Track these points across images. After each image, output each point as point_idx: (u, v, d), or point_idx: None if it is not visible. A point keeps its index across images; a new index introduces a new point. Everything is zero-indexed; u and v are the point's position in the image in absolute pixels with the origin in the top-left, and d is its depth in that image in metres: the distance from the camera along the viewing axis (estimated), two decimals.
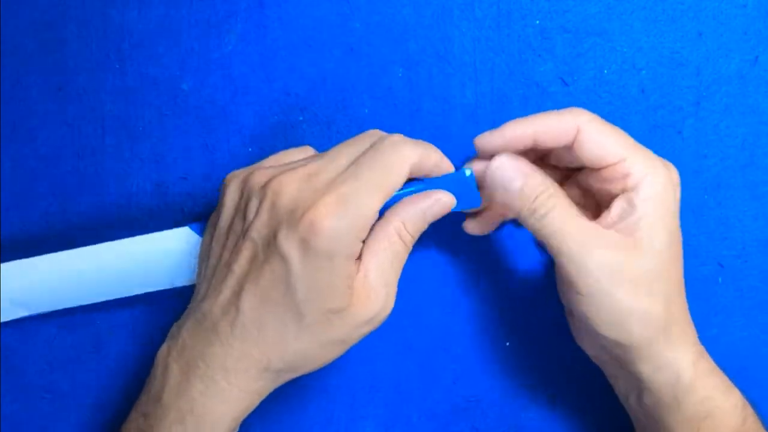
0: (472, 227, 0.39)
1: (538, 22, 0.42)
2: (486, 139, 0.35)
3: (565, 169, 0.39)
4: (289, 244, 0.31)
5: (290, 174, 0.32)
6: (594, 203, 0.38)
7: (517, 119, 0.35)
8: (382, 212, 0.34)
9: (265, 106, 0.42)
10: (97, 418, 0.43)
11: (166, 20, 0.42)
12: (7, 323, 0.42)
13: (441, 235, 0.42)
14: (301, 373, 0.34)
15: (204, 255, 0.36)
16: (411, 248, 0.35)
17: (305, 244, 0.31)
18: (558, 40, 0.42)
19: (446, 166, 0.35)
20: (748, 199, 0.42)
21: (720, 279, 0.42)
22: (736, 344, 0.42)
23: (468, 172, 0.35)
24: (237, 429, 0.35)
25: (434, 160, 0.34)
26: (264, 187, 0.33)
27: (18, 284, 0.39)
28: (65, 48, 0.42)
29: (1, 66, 0.42)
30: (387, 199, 0.33)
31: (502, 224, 0.42)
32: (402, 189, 0.35)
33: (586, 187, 0.38)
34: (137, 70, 0.42)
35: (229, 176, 0.36)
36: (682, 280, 0.36)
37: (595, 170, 0.35)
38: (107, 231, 0.42)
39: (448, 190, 0.35)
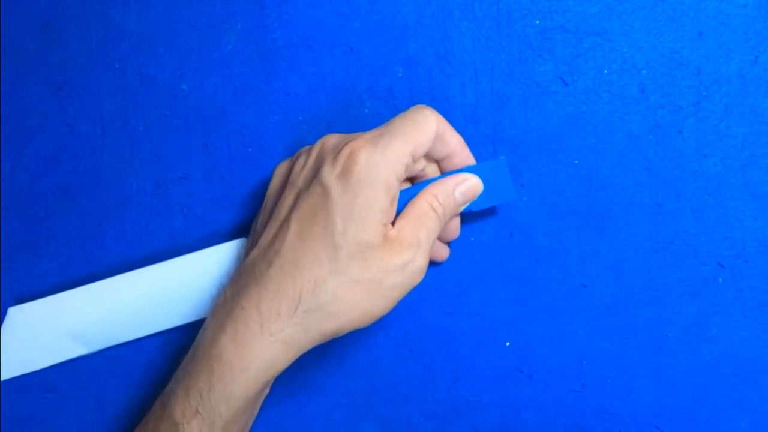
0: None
1: (538, 22, 0.42)
2: None
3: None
4: (330, 176, 0.34)
5: (334, 134, 0.37)
6: None
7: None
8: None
9: (265, 106, 0.42)
10: (97, 417, 0.43)
11: (166, 20, 0.42)
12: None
13: None
14: (334, 323, 0.33)
15: (252, 229, 0.38)
16: (444, 221, 0.37)
17: (345, 173, 0.34)
18: (558, 40, 0.42)
19: (467, 153, 0.39)
20: (748, 199, 0.42)
21: (720, 279, 0.42)
22: (736, 344, 0.42)
23: (501, 158, 0.38)
24: (264, 391, 0.35)
25: (454, 136, 0.37)
26: (312, 146, 0.37)
27: (76, 317, 0.40)
28: (65, 48, 0.42)
29: (1, 66, 0.42)
30: (417, 150, 0.35)
31: (503, 225, 0.42)
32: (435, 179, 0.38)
33: None
34: (137, 70, 0.42)
35: (277, 166, 0.39)
36: None
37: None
38: (107, 231, 0.42)
39: (482, 178, 0.38)
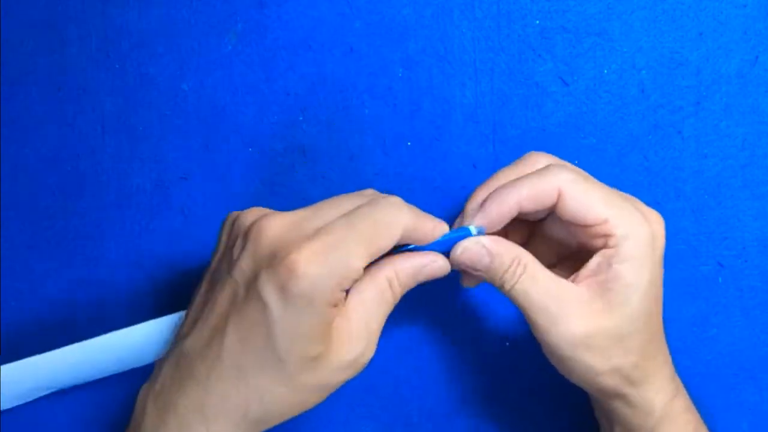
0: (468, 282, 0.38)
1: (538, 22, 0.42)
2: (472, 219, 0.35)
3: (532, 221, 0.39)
4: (268, 289, 0.30)
5: (277, 216, 0.32)
6: (567, 249, 0.38)
7: (498, 192, 0.34)
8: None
9: (265, 106, 0.42)
10: (97, 417, 0.43)
11: (166, 20, 0.42)
12: (7, 323, 0.42)
13: None
14: (277, 422, 0.32)
15: (194, 293, 0.35)
16: (397, 300, 0.34)
17: (284, 290, 0.30)
18: (558, 40, 0.42)
19: (440, 232, 0.34)
20: (748, 199, 0.42)
21: (720, 279, 0.42)
22: (736, 344, 0.42)
23: (474, 231, 0.35)
24: None
25: (428, 229, 0.34)
26: (249, 226, 0.32)
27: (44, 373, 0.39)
28: (65, 48, 0.42)
29: (1, 66, 0.42)
30: (374, 257, 0.32)
31: None
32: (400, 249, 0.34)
33: (558, 237, 0.38)
34: (137, 70, 0.42)
35: (227, 216, 0.35)
36: (661, 322, 0.36)
37: (577, 226, 0.35)
38: (107, 231, 0.42)
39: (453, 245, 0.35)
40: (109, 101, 0.42)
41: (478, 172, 0.42)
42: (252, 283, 0.31)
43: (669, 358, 0.37)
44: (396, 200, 0.33)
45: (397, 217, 0.32)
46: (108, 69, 0.42)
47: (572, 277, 0.35)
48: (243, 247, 0.32)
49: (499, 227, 0.35)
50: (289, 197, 0.42)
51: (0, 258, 0.42)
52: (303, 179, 0.42)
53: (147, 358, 0.38)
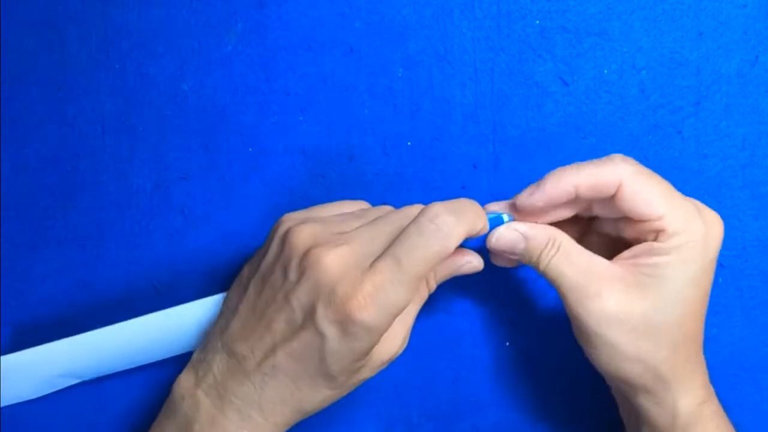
0: (501, 262, 0.39)
1: (538, 22, 0.42)
2: (528, 200, 0.35)
3: (585, 219, 0.38)
4: (326, 325, 0.32)
5: (333, 252, 0.33)
6: (619, 247, 0.37)
7: (558, 171, 0.35)
8: None
9: (265, 106, 0.42)
10: (98, 417, 0.43)
11: (166, 20, 0.42)
12: (6, 323, 0.42)
13: None
14: (322, 408, 0.36)
15: (240, 287, 0.36)
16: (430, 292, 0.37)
17: (342, 328, 0.32)
18: (558, 40, 0.42)
19: (485, 230, 0.36)
20: (748, 199, 0.42)
21: (720, 279, 0.42)
22: (736, 344, 0.42)
23: (506, 219, 0.36)
24: None
25: (478, 228, 0.35)
26: (305, 255, 0.33)
27: (69, 359, 0.40)
28: (65, 48, 0.42)
29: (1, 66, 0.42)
30: (424, 277, 0.33)
31: None
32: None
33: (610, 235, 0.37)
34: (137, 70, 0.42)
35: (282, 219, 0.36)
36: (701, 328, 0.36)
37: (631, 221, 0.35)
38: (107, 231, 0.42)
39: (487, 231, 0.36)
40: (109, 101, 0.42)
41: (478, 172, 0.42)
42: (310, 315, 0.33)
43: (704, 368, 0.36)
44: (445, 221, 0.33)
45: (444, 246, 0.33)
46: (108, 69, 0.42)
47: (613, 260, 0.35)
48: (300, 275, 0.33)
49: (552, 205, 0.35)
50: (289, 197, 0.42)
51: (0, 258, 0.42)
52: (303, 179, 0.43)
53: (180, 348, 0.39)
